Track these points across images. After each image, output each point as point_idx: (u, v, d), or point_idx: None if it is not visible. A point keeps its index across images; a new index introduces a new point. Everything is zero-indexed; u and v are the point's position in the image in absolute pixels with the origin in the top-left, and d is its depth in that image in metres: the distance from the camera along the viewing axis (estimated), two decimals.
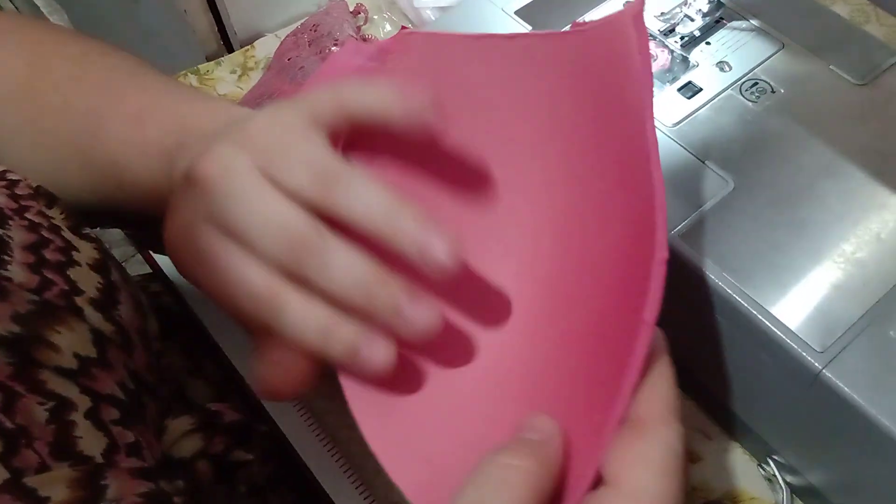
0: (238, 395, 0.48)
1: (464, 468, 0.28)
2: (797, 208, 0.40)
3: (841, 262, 0.38)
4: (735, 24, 0.48)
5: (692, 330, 0.42)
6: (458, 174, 0.36)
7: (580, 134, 0.33)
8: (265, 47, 0.66)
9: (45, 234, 0.38)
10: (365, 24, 0.66)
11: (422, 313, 0.30)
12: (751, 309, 0.37)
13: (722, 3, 0.48)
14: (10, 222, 0.36)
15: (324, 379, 0.48)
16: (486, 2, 0.50)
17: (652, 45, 0.47)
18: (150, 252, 0.53)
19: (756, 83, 0.45)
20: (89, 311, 0.36)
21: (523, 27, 0.48)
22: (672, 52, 0.47)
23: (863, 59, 0.46)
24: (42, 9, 1.07)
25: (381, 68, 0.37)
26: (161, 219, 0.37)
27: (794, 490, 0.42)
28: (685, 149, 0.42)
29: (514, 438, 0.29)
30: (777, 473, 0.42)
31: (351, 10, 0.65)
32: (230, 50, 0.70)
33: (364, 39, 0.64)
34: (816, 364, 0.35)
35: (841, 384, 0.35)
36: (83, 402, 0.33)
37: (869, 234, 0.39)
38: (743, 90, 0.45)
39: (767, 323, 0.36)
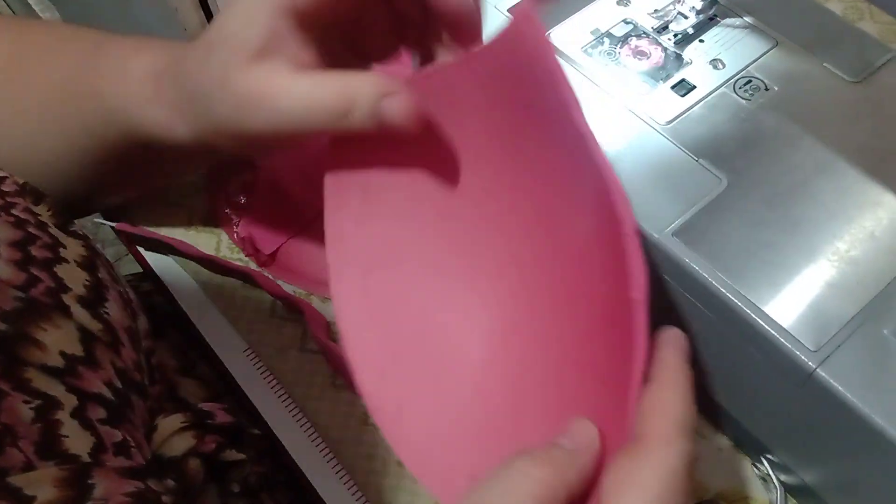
0: (230, 397, 0.48)
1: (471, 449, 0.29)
2: (791, 206, 0.40)
3: (835, 260, 0.38)
4: (729, 21, 0.48)
5: (685, 328, 0.42)
6: (438, 181, 0.37)
7: (519, 145, 0.35)
8: None
9: (32, 230, 0.37)
10: None
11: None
12: (744, 307, 0.37)
13: (716, 0, 0.48)
14: None
15: (315, 381, 0.48)
16: None
17: (645, 42, 0.47)
18: (142, 250, 0.53)
19: (750, 81, 0.45)
20: (76, 309, 0.36)
21: None
22: (665, 49, 0.46)
23: (856, 56, 0.45)
24: (34, 6, 1.07)
25: None
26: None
27: (787, 489, 0.42)
28: (678, 147, 0.42)
29: (546, 443, 0.29)
30: (771, 472, 0.42)
31: None
32: None
33: None
34: (810, 363, 0.35)
35: (834, 383, 0.34)
36: (69, 401, 0.33)
37: (863, 232, 0.39)
38: (736, 88, 0.44)
39: (761, 321, 0.36)
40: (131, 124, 0.40)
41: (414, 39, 0.39)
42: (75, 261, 0.38)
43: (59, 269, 0.37)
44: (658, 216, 0.39)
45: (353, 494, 0.43)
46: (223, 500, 0.41)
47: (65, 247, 0.38)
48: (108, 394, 0.35)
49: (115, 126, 0.41)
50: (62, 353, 0.34)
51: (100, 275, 0.39)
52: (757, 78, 0.45)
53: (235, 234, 0.52)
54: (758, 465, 0.43)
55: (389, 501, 0.43)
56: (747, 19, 0.47)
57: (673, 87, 0.45)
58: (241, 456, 0.41)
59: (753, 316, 0.36)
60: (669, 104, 0.44)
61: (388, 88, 0.33)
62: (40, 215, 0.40)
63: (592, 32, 0.47)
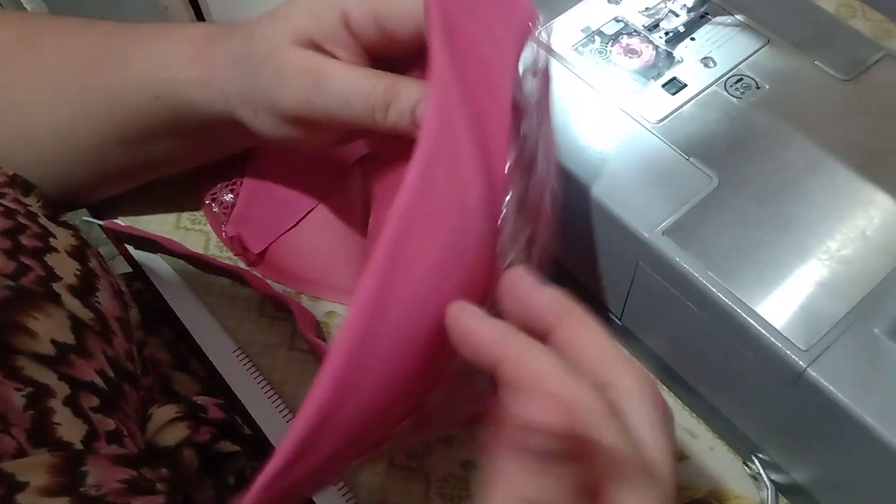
0: (221, 395, 0.48)
1: None
2: (782, 205, 0.39)
3: (826, 259, 0.38)
4: (720, 19, 0.47)
5: (675, 328, 0.42)
6: None
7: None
8: None
9: (22, 220, 0.38)
10: None
11: None
12: (735, 307, 0.36)
13: None
14: None
15: (305, 379, 0.48)
16: None
17: (636, 40, 0.47)
18: (130, 249, 0.52)
19: (741, 79, 0.45)
20: (67, 298, 0.36)
21: None
22: (656, 47, 0.46)
23: (848, 54, 0.45)
24: (24, 3, 1.06)
25: None
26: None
27: (778, 488, 0.42)
28: (669, 145, 0.42)
29: None
30: (762, 471, 0.42)
31: None
32: None
33: None
34: (801, 362, 0.35)
35: (825, 382, 0.34)
36: (62, 389, 0.33)
37: (854, 231, 0.39)
38: (728, 86, 0.44)
39: (751, 321, 0.36)
40: (162, 88, 0.41)
41: None
42: (65, 250, 0.38)
43: (50, 259, 0.37)
44: (649, 215, 0.39)
45: (343, 496, 0.43)
46: (218, 492, 0.41)
47: (55, 237, 0.38)
48: (100, 382, 0.35)
49: (144, 93, 0.41)
50: (53, 342, 0.34)
51: (90, 264, 0.39)
52: (748, 76, 0.45)
53: (224, 234, 0.52)
54: (749, 463, 0.43)
55: (378, 501, 0.43)
56: (739, 17, 0.47)
57: (664, 86, 0.45)
58: (236, 448, 0.41)
59: (744, 315, 0.36)
60: (660, 103, 0.44)
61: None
62: (30, 206, 0.40)
63: (583, 30, 0.47)
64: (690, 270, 0.38)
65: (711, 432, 0.45)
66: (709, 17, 0.47)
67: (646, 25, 0.47)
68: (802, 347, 0.35)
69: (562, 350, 0.27)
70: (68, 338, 0.35)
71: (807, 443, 0.38)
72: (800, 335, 0.35)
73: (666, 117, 0.43)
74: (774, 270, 0.37)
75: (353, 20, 0.35)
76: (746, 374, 0.39)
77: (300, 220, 0.51)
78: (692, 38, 0.47)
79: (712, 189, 0.40)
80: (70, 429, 0.33)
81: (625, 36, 0.47)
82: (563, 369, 0.25)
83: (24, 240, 0.36)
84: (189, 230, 0.53)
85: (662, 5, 0.48)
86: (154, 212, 0.54)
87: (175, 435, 0.38)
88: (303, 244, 0.51)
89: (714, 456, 0.44)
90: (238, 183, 0.53)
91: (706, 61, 0.45)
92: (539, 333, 0.27)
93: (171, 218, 0.54)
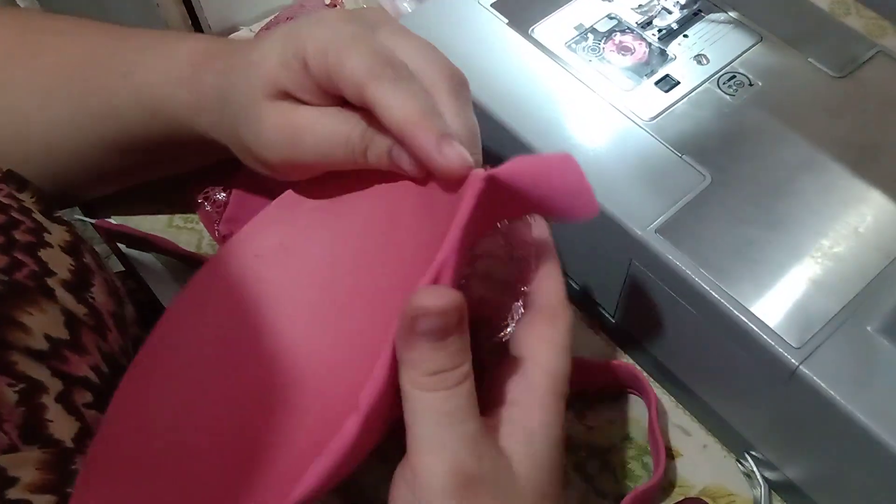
0: None
1: None
2: (775, 203, 0.39)
3: (818, 256, 0.38)
4: (713, 16, 0.47)
5: (669, 326, 0.42)
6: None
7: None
8: None
9: (16, 215, 0.38)
10: None
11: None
12: (727, 304, 0.36)
13: None
14: None
15: None
16: None
17: (629, 38, 0.46)
18: (122, 248, 0.52)
19: (734, 76, 0.44)
20: (61, 293, 0.36)
21: (499, 20, 0.48)
22: (649, 45, 0.46)
23: (841, 51, 0.45)
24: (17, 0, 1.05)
25: None
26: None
27: (772, 485, 0.42)
28: (662, 143, 0.42)
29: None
30: (755, 469, 0.42)
31: (327, 2, 0.64)
32: None
33: None
34: (793, 360, 0.35)
35: (818, 380, 0.34)
36: (54, 385, 0.33)
37: (847, 228, 0.39)
38: (721, 83, 0.44)
39: (744, 319, 0.36)
40: (158, 104, 0.40)
41: None
42: (59, 246, 0.38)
43: (44, 254, 0.37)
44: (641, 213, 0.39)
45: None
46: None
47: (49, 232, 0.38)
48: (94, 378, 0.35)
49: (141, 108, 0.41)
50: (47, 337, 0.34)
51: (85, 260, 0.39)
52: (741, 73, 0.45)
53: (217, 232, 0.51)
54: (742, 461, 0.43)
55: (369, 498, 0.43)
56: (732, 14, 0.47)
57: (657, 83, 0.44)
58: None
59: (737, 313, 0.36)
60: (653, 100, 0.44)
61: None
62: (24, 201, 0.40)
63: (576, 28, 0.47)
64: (683, 268, 0.37)
65: (705, 430, 0.45)
66: (702, 14, 0.47)
67: (639, 22, 0.47)
68: (795, 345, 0.35)
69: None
70: (62, 333, 0.35)
71: (800, 440, 0.38)
72: (792, 333, 0.35)
73: (659, 115, 0.43)
74: (767, 268, 0.37)
75: (311, 68, 0.35)
76: (739, 371, 0.39)
77: None
78: (685, 36, 0.47)
79: (705, 187, 0.40)
80: (61, 426, 0.33)
81: (618, 33, 0.47)
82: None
83: (18, 235, 0.36)
84: (181, 228, 0.53)
85: (655, 2, 0.48)
86: (147, 210, 0.53)
87: None
88: None
89: (707, 454, 0.44)
90: (231, 180, 0.53)
91: (699, 58, 0.45)
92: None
93: (163, 216, 0.53)
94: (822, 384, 0.34)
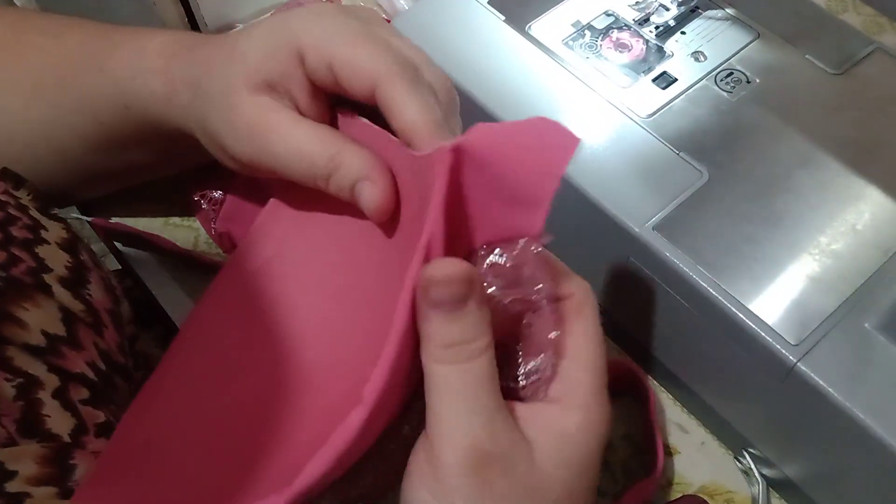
0: None
1: None
2: (772, 200, 0.39)
3: (816, 253, 0.38)
4: (710, 13, 0.47)
5: (666, 323, 0.41)
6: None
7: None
8: None
9: (12, 212, 0.38)
10: None
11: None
12: (725, 302, 0.36)
13: None
14: None
15: None
16: None
17: (626, 34, 0.46)
18: (119, 246, 0.52)
19: (731, 73, 0.44)
20: (58, 289, 0.36)
21: (496, 17, 0.48)
22: (647, 42, 0.46)
23: (839, 48, 0.45)
24: None
25: None
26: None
27: (770, 483, 0.42)
28: (659, 140, 0.42)
29: None
30: (753, 466, 0.42)
31: None
32: None
33: None
34: (791, 357, 0.35)
35: (815, 377, 0.34)
36: (51, 381, 0.33)
37: (845, 225, 0.38)
38: (718, 80, 0.44)
39: (742, 316, 0.36)
40: (130, 97, 0.40)
41: None
42: (56, 242, 0.38)
43: (40, 250, 0.37)
44: (639, 210, 0.39)
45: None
46: None
47: (46, 229, 0.39)
48: (90, 374, 0.35)
49: (115, 102, 0.41)
50: (44, 332, 0.34)
51: (81, 257, 0.39)
52: (738, 70, 0.44)
53: (213, 230, 0.51)
54: (740, 459, 0.43)
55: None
56: (729, 11, 0.47)
57: (654, 80, 0.44)
58: None
59: (734, 310, 0.36)
60: (650, 97, 0.44)
61: (371, 173, 0.34)
62: (20, 199, 0.40)
63: (573, 25, 0.47)
64: (680, 265, 0.37)
65: (703, 427, 0.45)
66: (699, 11, 0.47)
67: (636, 19, 0.47)
68: (793, 342, 0.35)
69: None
70: (59, 329, 0.35)
71: (798, 438, 0.38)
72: (790, 330, 0.35)
73: (656, 112, 0.43)
74: (765, 265, 0.37)
75: (308, 62, 0.34)
76: (737, 369, 0.38)
77: None
78: (682, 33, 0.46)
79: (703, 184, 0.40)
80: (58, 421, 0.33)
81: (615, 30, 0.47)
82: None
83: (15, 231, 0.37)
84: (178, 226, 0.53)
85: None
86: (142, 208, 0.53)
87: None
88: None
89: (705, 451, 0.44)
90: (227, 179, 0.53)
91: (696, 55, 0.45)
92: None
93: (159, 214, 0.53)
94: (820, 381, 0.34)
